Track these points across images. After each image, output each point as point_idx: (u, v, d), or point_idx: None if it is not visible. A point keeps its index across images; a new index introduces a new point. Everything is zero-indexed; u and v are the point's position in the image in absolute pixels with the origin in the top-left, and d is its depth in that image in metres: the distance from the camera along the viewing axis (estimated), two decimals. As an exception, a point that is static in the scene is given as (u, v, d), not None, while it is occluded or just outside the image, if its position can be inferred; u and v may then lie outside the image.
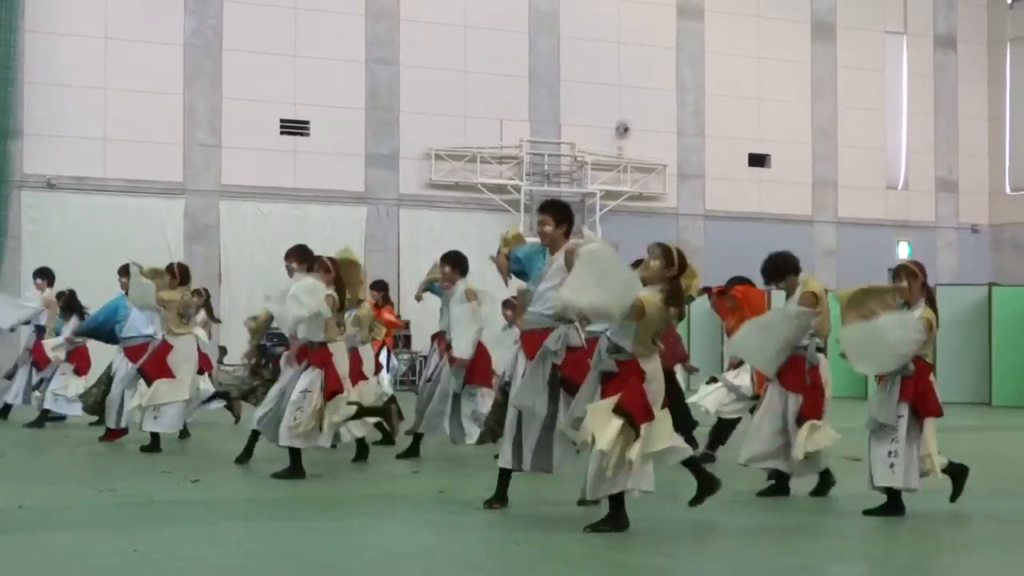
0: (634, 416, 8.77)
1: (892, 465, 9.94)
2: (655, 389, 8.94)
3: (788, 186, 34.73)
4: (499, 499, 10.04)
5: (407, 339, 28.71)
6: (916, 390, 9.98)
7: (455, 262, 13.91)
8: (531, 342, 9.98)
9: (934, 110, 37.31)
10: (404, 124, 30.56)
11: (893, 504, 9.99)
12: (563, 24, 32.25)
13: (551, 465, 9.81)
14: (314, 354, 12.04)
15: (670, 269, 9.08)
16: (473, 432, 13.58)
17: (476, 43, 31.22)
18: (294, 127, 29.65)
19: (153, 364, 14.64)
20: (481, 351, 13.74)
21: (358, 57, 30.29)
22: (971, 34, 37.89)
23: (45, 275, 18.68)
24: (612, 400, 8.81)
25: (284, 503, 10.72)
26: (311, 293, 11.91)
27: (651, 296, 8.92)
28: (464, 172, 30.87)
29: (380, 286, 17.14)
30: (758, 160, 34.58)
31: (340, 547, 8.64)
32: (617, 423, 8.74)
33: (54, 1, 27.99)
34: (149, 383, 14.51)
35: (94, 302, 23.71)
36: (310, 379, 11.98)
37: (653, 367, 8.99)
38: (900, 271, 10.34)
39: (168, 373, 14.61)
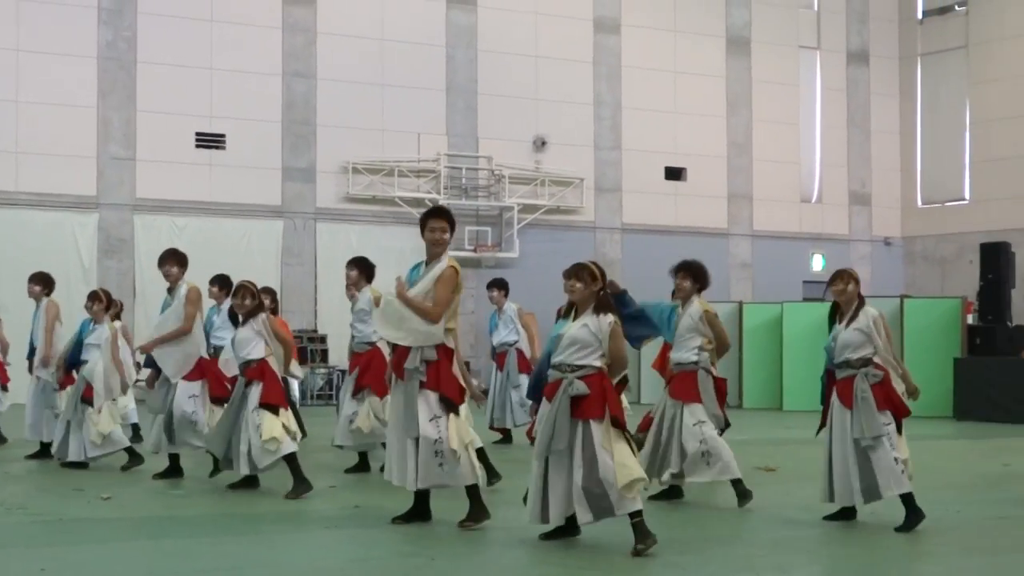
0: (620, 419, 9.11)
1: (903, 471, 10.19)
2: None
3: (704, 199, 34.96)
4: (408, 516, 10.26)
5: (324, 353, 28.59)
6: (889, 395, 10.33)
7: (362, 266, 14.30)
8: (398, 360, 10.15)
9: (847, 124, 37.74)
10: (321, 137, 30.42)
11: (916, 510, 10.18)
12: (480, 38, 32.27)
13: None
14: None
15: (595, 284, 9.21)
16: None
17: (393, 57, 31.16)
18: (210, 140, 29.43)
19: None
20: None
21: (275, 70, 30.13)
22: (883, 49, 38.37)
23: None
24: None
25: (197, 520, 10.64)
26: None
27: (617, 328, 9.20)
28: (381, 186, 30.78)
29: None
30: (674, 174, 34.77)
31: (253, 564, 8.58)
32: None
33: (-36, 13, 27.65)
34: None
35: (6, 316, 23.46)
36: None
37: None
38: (843, 275, 10.66)
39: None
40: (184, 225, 28.79)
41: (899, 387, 10.48)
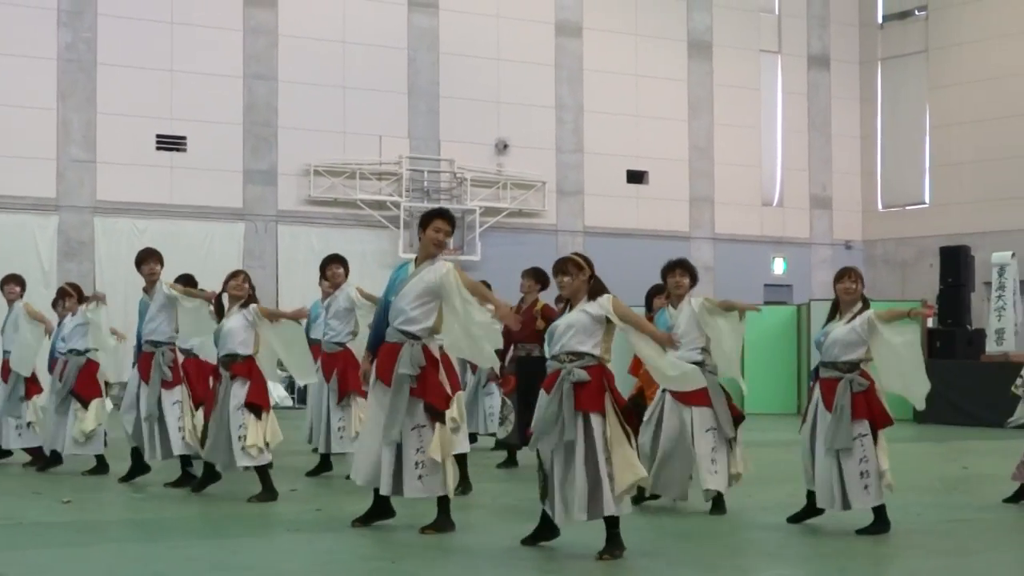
0: (628, 412, 8.99)
1: (867, 487, 10.10)
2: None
3: (666, 202, 35.03)
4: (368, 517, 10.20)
5: (286, 356, 28.42)
6: (870, 404, 10.20)
7: (346, 263, 14.45)
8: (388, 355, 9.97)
9: (808, 128, 37.90)
10: (282, 140, 30.32)
11: (882, 520, 10.14)
12: (442, 41, 32.24)
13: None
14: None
15: (582, 273, 9.13)
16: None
17: (355, 59, 31.10)
18: (170, 142, 29.29)
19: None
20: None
21: (236, 72, 30.01)
22: (843, 54, 38.55)
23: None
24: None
25: (158, 524, 10.58)
26: None
27: (617, 300, 9.06)
28: (343, 188, 30.72)
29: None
30: (636, 177, 34.84)
31: (215, 568, 8.55)
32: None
33: (-78, 13, 27.42)
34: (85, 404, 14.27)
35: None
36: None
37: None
38: (850, 273, 10.57)
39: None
40: (145, 227, 28.63)
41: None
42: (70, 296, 14.87)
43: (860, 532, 10.04)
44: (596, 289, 9.12)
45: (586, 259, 9.25)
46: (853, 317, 10.39)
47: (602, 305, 9.00)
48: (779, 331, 26.17)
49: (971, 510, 11.77)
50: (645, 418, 11.31)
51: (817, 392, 10.49)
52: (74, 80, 28.38)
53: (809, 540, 9.99)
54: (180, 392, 13.09)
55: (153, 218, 28.79)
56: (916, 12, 37.88)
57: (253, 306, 12.05)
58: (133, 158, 28.69)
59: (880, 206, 38.47)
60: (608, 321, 9.03)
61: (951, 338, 25.16)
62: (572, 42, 34.01)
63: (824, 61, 38.20)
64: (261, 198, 30.08)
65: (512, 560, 8.84)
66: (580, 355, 8.96)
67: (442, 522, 9.84)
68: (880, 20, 38.72)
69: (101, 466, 14.09)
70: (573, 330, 9.00)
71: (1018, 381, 12.61)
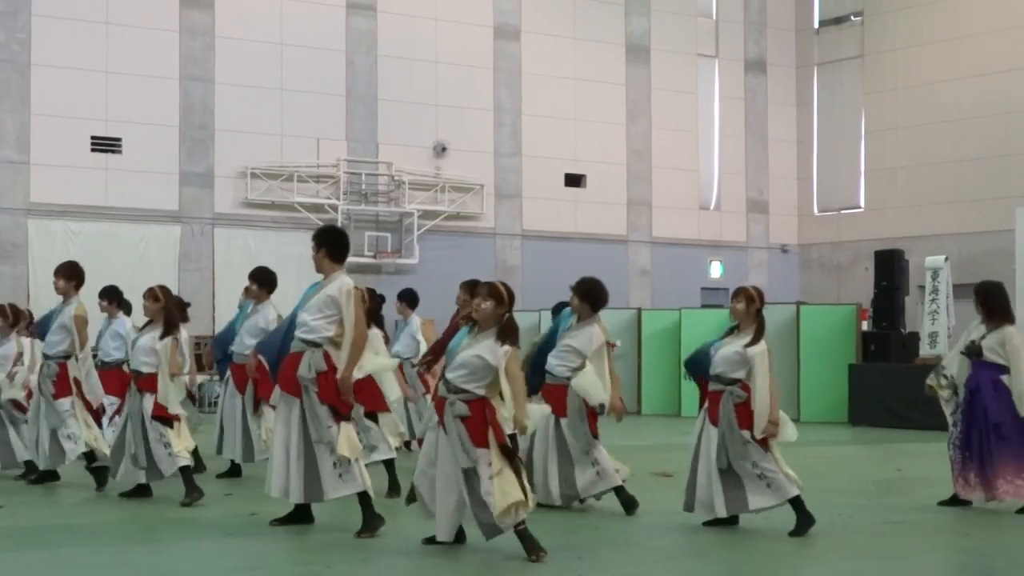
0: (507, 447, 8.95)
1: (768, 484, 10.14)
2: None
3: (604, 206, 35.13)
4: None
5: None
6: (750, 414, 10.20)
7: (263, 279, 14.31)
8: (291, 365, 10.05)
9: (745, 132, 38.14)
10: (219, 142, 30.16)
11: (806, 514, 10.15)
12: (380, 43, 32.19)
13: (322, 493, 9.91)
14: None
15: (501, 307, 9.09)
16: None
17: (293, 61, 30.98)
18: (106, 144, 29.06)
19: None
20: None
21: (172, 74, 29.82)
22: (780, 58, 38.85)
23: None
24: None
25: (92, 529, 10.50)
26: None
27: (515, 356, 9.00)
28: (280, 191, 30.59)
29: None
30: (574, 180, 34.92)
31: (147, 573, 8.49)
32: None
33: None
34: None
35: None
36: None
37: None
38: (739, 293, 10.62)
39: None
40: (80, 230, 28.41)
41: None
42: (5, 316, 14.60)
43: (792, 534, 10.09)
44: (506, 329, 9.04)
45: (510, 292, 9.20)
46: (747, 344, 10.44)
47: (496, 357, 8.92)
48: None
49: (905, 512, 11.85)
50: None
51: (704, 405, 10.60)
52: (8, 81, 28.11)
53: (739, 542, 10.03)
54: (70, 402, 13.00)
55: (88, 220, 28.55)
56: (852, 18, 38.23)
57: (167, 341, 11.92)
58: (68, 160, 28.45)
59: (816, 210, 38.77)
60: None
61: (885, 341, 25.35)
62: (510, 45, 34.05)
63: (761, 65, 38.46)
64: (197, 200, 29.90)
65: (446, 562, 8.84)
66: (465, 391, 8.99)
67: (371, 520, 9.85)
68: (816, 25, 39.04)
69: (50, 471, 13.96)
70: (466, 371, 9.00)
71: (943, 381, 12.10)
